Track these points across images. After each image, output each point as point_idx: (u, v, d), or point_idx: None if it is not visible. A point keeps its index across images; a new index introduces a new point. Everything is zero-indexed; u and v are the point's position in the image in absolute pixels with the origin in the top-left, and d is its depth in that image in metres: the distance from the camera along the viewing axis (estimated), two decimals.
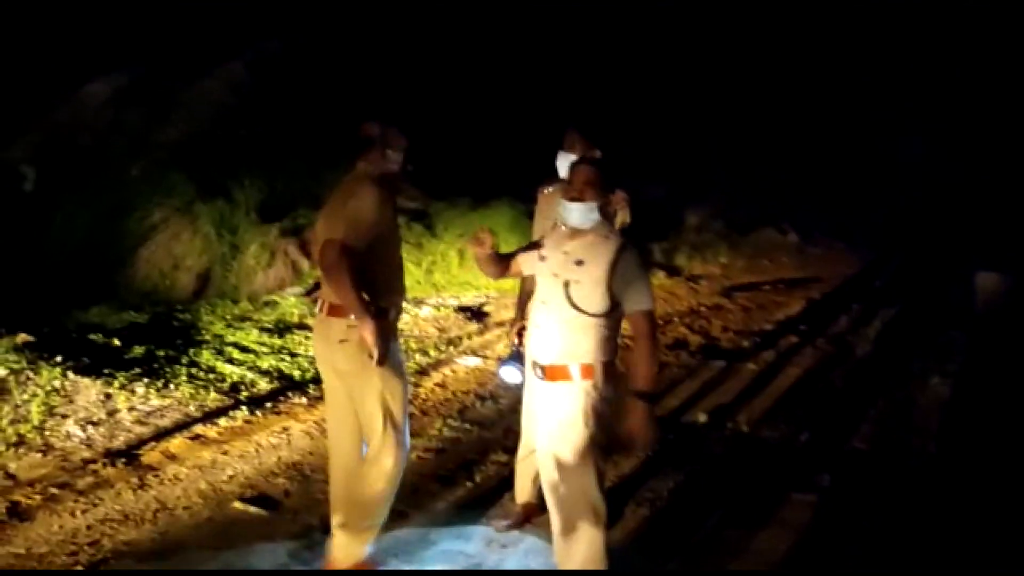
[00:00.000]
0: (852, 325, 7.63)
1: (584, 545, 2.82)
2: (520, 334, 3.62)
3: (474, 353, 6.53)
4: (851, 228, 12.21)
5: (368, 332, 3.02)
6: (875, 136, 14.07)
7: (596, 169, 2.96)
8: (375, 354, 3.05)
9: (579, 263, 2.86)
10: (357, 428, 3.28)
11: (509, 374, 3.63)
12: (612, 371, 2.88)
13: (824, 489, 4.13)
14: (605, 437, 2.86)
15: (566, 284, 2.85)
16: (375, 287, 3.11)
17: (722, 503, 4.00)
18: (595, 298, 2.83)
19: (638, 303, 2.85)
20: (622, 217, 3.54)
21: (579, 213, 2.89)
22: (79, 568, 3.42)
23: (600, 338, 2.85)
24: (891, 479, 4.28)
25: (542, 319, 2.93)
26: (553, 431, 2.90)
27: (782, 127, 13.65)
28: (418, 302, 7.99)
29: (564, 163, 3.51)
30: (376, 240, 3.09)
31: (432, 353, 6.50)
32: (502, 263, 3.15)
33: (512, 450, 4.66)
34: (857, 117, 14.08)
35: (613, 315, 2.86)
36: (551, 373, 2.89)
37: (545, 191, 3.74)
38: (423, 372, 6.04)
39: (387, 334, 3.11)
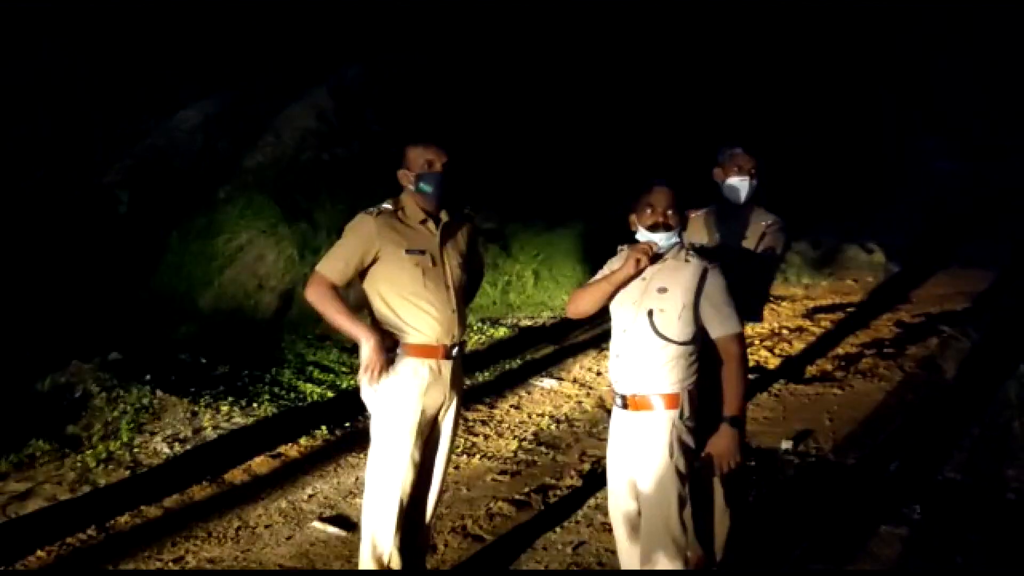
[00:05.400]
0: (942, 348, 7.32)
1: None
2: None
3: (549, 374, 6.50)
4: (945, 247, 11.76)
5: (364, 350, 2.98)
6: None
7: (672, 191, 2.87)
8: (362, 376, 3.01)
9: (662, 290, 2.80)
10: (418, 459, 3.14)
11: None
12: (695, 399, 2.80)
13: (915, 522, 3.96)
14: (689, 467, 2.79)
15: (650, 313, 2.78)
16: (385, 321, 3.06)
17: (807, 534, 3.87)
18: (681, 326, 2.77)
19: (726, 328, 2.80)
20: (771, 243, 3.38)
21: (665, 241, 2.82)
22: None
23: (684, 366, 2.79)
24: (986, 513, 4.07)
25: (623, 348, 2.86)
26: (635, 460, 2.83)
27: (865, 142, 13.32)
28: (493, 322, 8.01)
29: (731, 184, 3.38)
30: (376, 271, 3.04)
31: (507, 374, 6.49)
32: (609, 298, 2.95)
33: (586, 475, 4.63)
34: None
35: (696, 342, 2.80)
36: (634, 403, 2.83)
37: (692, 215, 3.63)
38: (498, 394, 6.04)
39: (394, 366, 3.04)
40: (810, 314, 8.81)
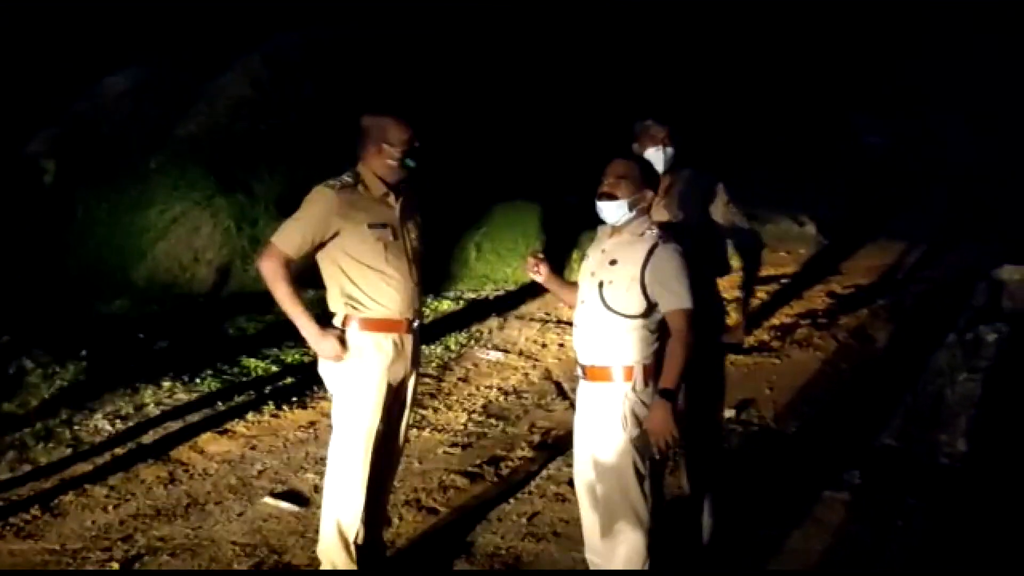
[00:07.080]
0: (873, 318, 7.56)
1: (625, 548, 2.78)
2: None
3: (495, 347, 6.52)
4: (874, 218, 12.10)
5: (313, 345, 3.02)
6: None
7: (630, 163, 2.90)
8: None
9: (613, 262, 2.82)
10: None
11: None
12: (654, 373, 2.80)
13: (855, 487, 4.11)
14: (647, 439, 2.81)
15: (600, 284, 2.81)
16: (351, 296, 3.03)
17: (754, 502, 3.98)
18: (628, 299, 2.77)
19: (673, 303, 2.77)
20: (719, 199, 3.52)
21: (608, 211, 2.84)
22: (114, 565, 3.43)
23: (639, 339, 2.79)
24: (922, 477, 4.25)
25: (581, 319, 2.89)
26: (592, 431, 2.86)
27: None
28: (436, 295, 7.98)
29: (648, 156, 3.37)
30: (337, 245, 3.00)
31: (453, 347, 6.49)
32: (574, 285, 3.02)
33: (537, 446, 4.68)
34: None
35: (650, 316, 2.80)
36: (592, 373, 2.86)
37: None
38: (445, 367, 6.03)
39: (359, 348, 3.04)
40: None
